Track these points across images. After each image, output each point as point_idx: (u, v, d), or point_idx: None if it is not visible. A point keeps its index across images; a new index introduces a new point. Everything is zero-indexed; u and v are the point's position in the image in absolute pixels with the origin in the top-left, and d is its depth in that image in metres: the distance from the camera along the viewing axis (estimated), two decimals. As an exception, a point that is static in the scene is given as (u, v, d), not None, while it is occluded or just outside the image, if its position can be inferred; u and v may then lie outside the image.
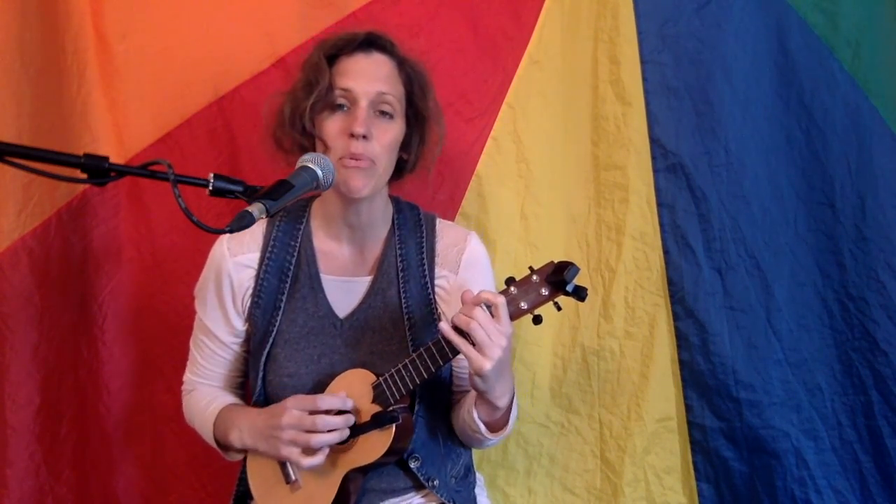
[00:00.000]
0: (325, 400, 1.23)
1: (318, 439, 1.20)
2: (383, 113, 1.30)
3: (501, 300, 1.14)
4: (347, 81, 1.28)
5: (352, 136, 1.25)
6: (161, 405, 1.71)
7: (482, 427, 1.29)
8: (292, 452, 1.22)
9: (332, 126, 1.28)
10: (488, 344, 1.13)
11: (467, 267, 1.39)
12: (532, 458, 1.71)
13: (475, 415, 1.28)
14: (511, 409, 1.29)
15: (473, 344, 1.13)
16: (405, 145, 1.36)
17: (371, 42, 1.33)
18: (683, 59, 1.67)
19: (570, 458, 1.71)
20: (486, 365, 1.13)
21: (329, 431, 1.21)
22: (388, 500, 1.35)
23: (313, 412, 1.22)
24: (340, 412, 1.24)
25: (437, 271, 1.38)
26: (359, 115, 1.26)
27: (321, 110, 1.29)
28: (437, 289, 1.38)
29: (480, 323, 1.12)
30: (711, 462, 1.68)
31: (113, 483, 1.71)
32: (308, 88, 1.29)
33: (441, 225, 1.44)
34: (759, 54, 1.68)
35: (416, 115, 1.37)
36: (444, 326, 1.15)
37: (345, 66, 1.30)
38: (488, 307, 1.14)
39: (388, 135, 1.30)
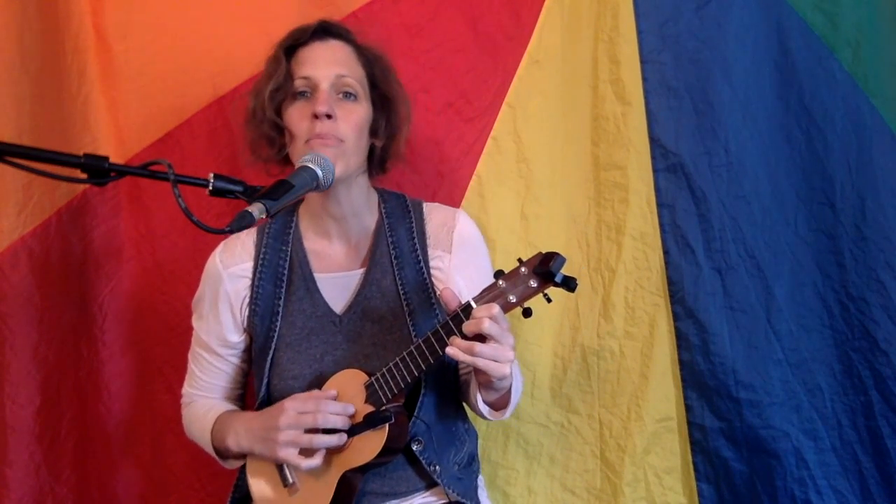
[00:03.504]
0: (325, 404, 1.23)
1: (319, 440, 1.20)
2: (347, 94, 1.31)
3: (496, 310, 1.11)
4: (306, 69, 1.30)
5: (315, 116, 1.26)
6: (161, 405, 1.71)
7: (485, 410, 1.31)
8: (290, 454, 1.22)
9: (295, 112, 1.29)
10: (500, 350, 1.12)
11: (460, 246, 1.39)
12: (532, 458, 1.71)
13: (479, 399, 1.29)
14: (511, 388, 1.29)
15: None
16: (374, 130, 1.36)
17: (325, 30, 1.35)
18: (683, 58, 1.67)
19: (570, 458, 1.71)
20: (506, 369, 1.13)
21: (329, 433, 1.21)
22: (389, 502, 1.34)
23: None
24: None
25: (431, 252, 1.38)
26: (320, 96, 1.27)
27: (284, 99, 1.30)
28: (432, 270, 1.37)
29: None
30: (711, 462, 1.68)
31: (113, 483, 1.72)
32: (267, 79, 1.31)
33: (428, 207, 1.44)
34: (759, 54, 1.68)
35: (381, 97, 1.37)
36: (459, 354, 1.12)
37: (303, 55, 1.32)
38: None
39: (354, 115, 1.30)
